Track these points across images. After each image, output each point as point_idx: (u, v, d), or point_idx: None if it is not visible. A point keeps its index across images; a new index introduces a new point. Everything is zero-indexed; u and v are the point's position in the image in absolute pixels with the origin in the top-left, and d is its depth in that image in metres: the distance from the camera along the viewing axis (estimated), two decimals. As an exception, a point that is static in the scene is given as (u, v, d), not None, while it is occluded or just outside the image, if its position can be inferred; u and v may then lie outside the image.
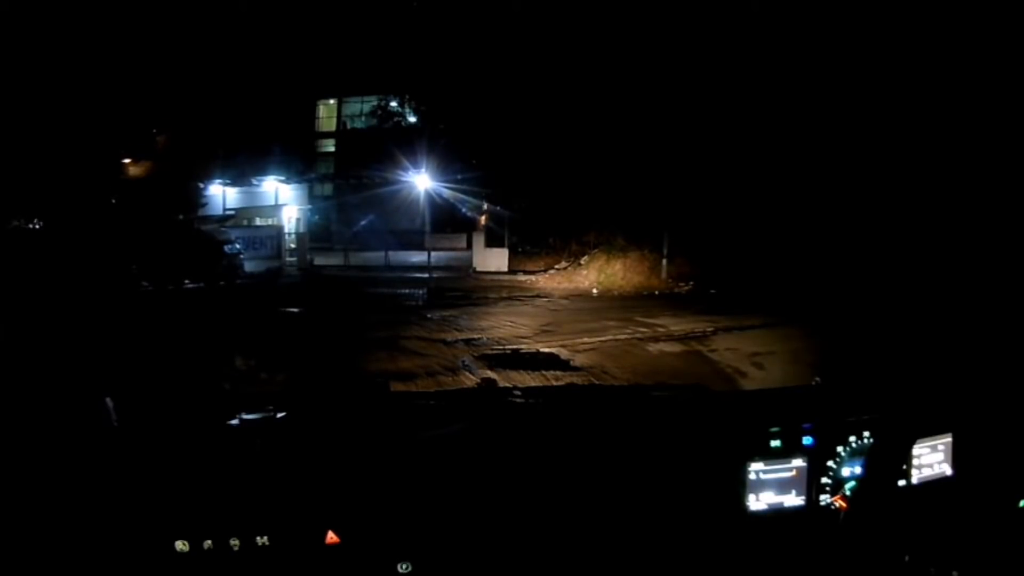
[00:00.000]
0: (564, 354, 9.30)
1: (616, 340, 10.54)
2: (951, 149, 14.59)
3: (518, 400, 2.27)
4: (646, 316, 12.90)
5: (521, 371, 8.15)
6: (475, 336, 10.69)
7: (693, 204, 18.77)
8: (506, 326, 11.84)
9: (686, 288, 18.60)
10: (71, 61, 18.74)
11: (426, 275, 21.09)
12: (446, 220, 26.17)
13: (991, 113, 14.18)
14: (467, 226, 25.74)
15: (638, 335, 11.03)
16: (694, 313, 13.11)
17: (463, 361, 8.76)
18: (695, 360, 9.35)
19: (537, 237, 24.04)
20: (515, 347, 9.81)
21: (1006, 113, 13.87)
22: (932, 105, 14.98)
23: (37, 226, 20.09)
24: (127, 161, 23.71)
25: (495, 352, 9.40)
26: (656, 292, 18.30)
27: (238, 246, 20.30)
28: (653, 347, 10.13)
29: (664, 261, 20.10)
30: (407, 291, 17.22)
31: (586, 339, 10.45)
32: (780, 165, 17.00)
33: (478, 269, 23.47)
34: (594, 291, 18.72)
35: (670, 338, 10.78)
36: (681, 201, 18.97)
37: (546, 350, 9.58)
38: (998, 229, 12.91)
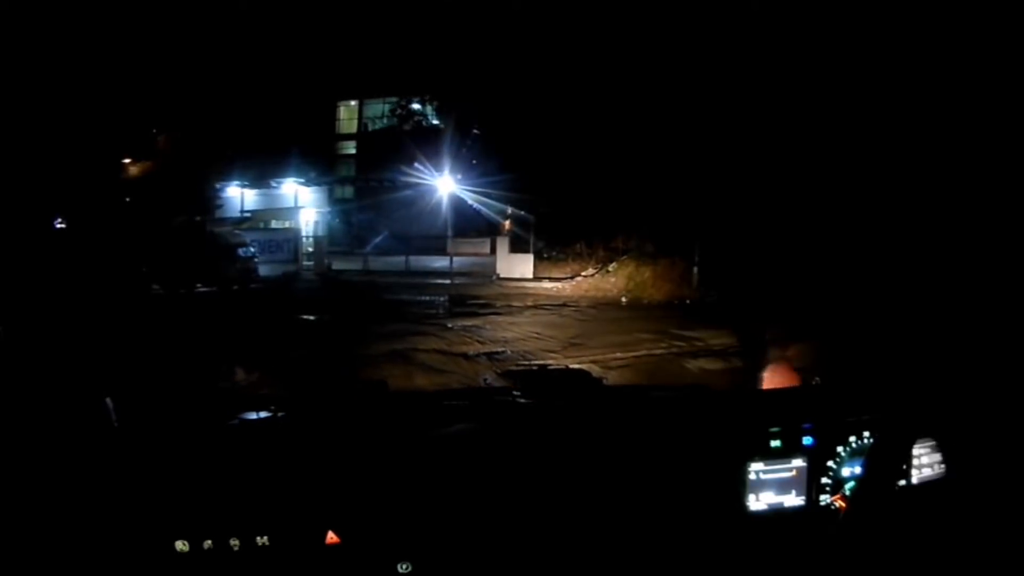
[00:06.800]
0: (596, 371, 8.46)
1: (652, 355, 9.85)
2: (952, 149, 13.98)
3: (518, 400, 2.25)
4: (681, 328, 12.17)
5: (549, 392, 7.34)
6: (498, 349, 10.01)
7: (724, 210, 18.07)
8: (532, 338, 11.14)
9: (717, 297, 17.78)
10: (88, 59, 18.50)
11: (447, 281, 20.45)
12: (469, 224, 25.55)
13: (991, 113, 13.53)
14: (491, 231, 25.10)
15: (674, 349, 10.35)
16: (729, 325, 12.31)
17: (485, 379, 7.97)
18: (740, 379, 8.54)
19: (563, 242, 23.39)
20: (542, 362, 9.11)
21: (1005, 114, 13.19)
22: (930, 103, 14.41)
23: (57, 226, 19.74)
24: (130, 160, 23.45)
25: (520, 368, 8.66)
26: (687, 301, 17.65)
27: (252, 249, 19.76)
28: (692, 363, 9.40)
29: (695, 269, 19.38)
30: (427, 298, 16.59)
31: (619, 354, 9.74)
32: (812, 173, 16.33)
33: (501, 275, 22.78)
34: (623, 299, 18.08)
35: (709, 353, 10.05)
36: (712, 207, 18.30)
37: (576, 366, 8.78)
38: (997, 230, 12.17)
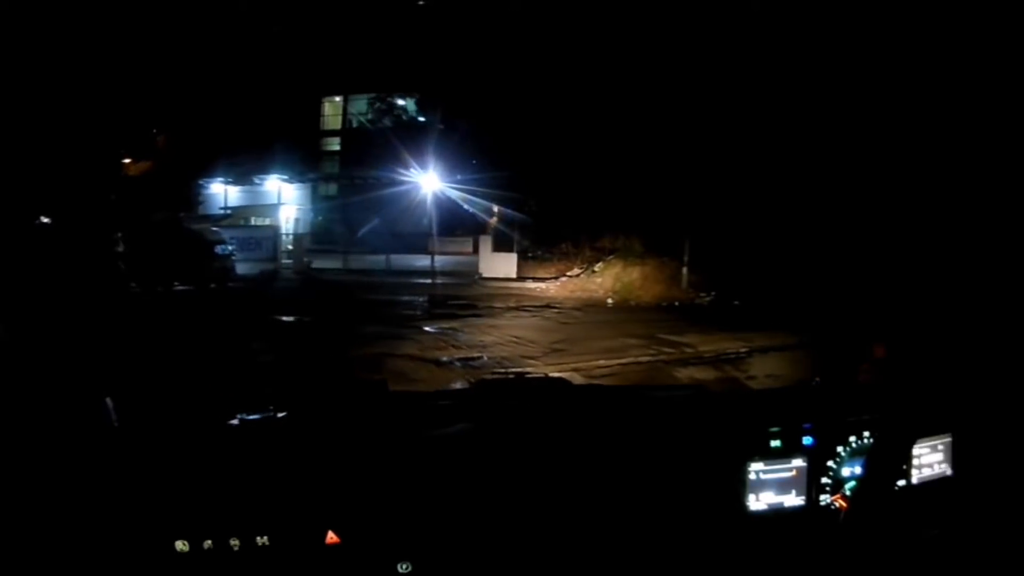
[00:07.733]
0: (578, 380, 7.96)
1: (639, 363, 9.34)
2: (952, 149, 13.80)
3: (518, 400, 2.23)
4: (669, 332, 11.70)
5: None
6: (474, 355, 9.53)
7: (715, 209, 17.84)
8: (511, 342, 10.65)
9: (707, 299, 17.61)
10: (70, 58, 18.02)
11: (428, 281, 20.01)
12: (453, 223, 25.09)
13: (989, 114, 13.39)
14: (475, 229, 24.75)
15: (663, 356, 9.83)
16: (722, 329, 11.94)
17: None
18: (737, 388, 8.12)
19: (548, 241, 23.07)
20: (520, 370, 8.60)
21: (1005, 115, 13.03)
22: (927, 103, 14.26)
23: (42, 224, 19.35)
24: (126, 161, 22.99)
25: (496, 377, 8.11)
26: (676, 303, 17.28)
27: (230, 247, 19.57)
28: (682, 372, 8.91)
29: (684, 269, 19.05)
30: (406, 298, 16.14)
31: (603, 361, 9.23)
32: (804, 172, 16.09)
33: (484, 275, 22.41)
34: (609, 301, 17.68)
35: (700, 361, 9.57)
36: (702, 206, 18.04)
37: (557, 374, 8.27)
38: (998, 230, 12.01)
